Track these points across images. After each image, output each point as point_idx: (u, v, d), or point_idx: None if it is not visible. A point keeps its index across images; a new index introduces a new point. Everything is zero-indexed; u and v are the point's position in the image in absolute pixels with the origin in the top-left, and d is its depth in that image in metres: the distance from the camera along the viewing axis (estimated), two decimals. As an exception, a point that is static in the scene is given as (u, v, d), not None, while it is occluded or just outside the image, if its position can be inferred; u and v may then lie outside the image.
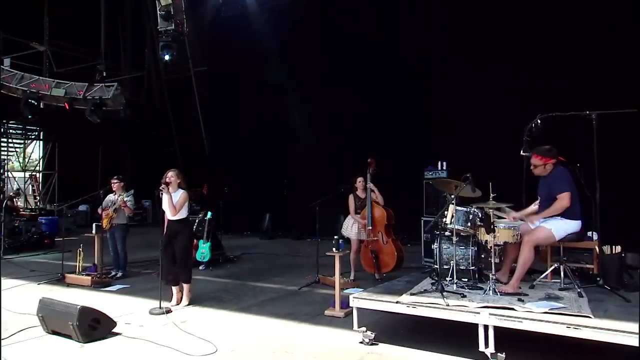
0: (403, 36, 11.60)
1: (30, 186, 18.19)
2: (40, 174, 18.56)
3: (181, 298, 6.06)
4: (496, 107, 9.77)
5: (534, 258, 4.70)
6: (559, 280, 4.88)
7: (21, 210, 14.58)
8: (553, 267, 5.00)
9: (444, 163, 8.30)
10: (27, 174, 18.38)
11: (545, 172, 4.85)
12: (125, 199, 7.64)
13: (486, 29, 10.48)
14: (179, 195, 5.96)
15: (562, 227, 4.69)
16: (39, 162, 19.25)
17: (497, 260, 4.81)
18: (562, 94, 8.65)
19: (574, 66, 9.25)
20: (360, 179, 7.19)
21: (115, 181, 7.81)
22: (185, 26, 12.44)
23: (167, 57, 12.39)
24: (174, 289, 6.05)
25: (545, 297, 4.39)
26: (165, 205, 5.93)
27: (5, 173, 15.70)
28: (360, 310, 4.62)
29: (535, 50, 9.82)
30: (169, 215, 5.98)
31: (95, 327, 4.71)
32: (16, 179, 18.23)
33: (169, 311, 5.63)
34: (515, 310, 3.97)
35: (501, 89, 10.01)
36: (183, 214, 5.99)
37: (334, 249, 5.61)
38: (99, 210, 7.82)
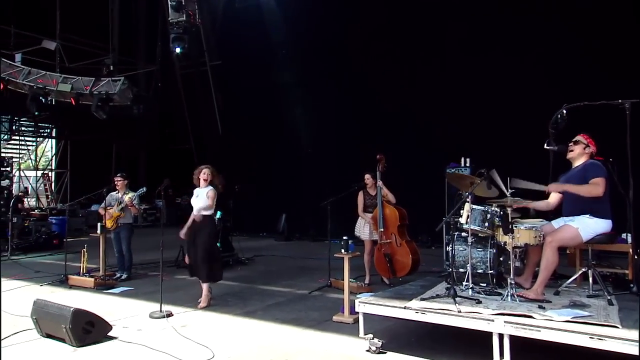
0: (418, 28, 11.42)
1: (42, 185, 18.58)
2: (53, 173, 18.93)
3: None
4: (521, 100, 9.52)
5: (558, 260, 4.50)
6: (587, 287, 4.69)
7: (31, 210, 14.87)
8: (581, 272, 4.80)
9: (467, 159, 8.13)
10: (40, 173, 18.77)
11: (577, 158, 4.68)
12: (132, 198, 7.70)
13: (507, 18, 10.21)
14: (206, 191, 6.24)
15: (590, 227, 4.48)
16: (51, 161, 19.66)
17: (517, 264, 4.64)
18: (590, 83, 8.35)
19: (605, 52, 8.93)
20: (367, 176, 7.08)
21: (119, 179, 7.88)
22: (197, 17, 12.51)
23: (178, 50, 12.44)
24: (204, 287, 6.21)
25: (569, 304, 4.21)
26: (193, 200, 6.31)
27: (15, 172, 16.05)
28: (370, 316, 4.53)
29: (560, 38, 9.53)
30: (195, 210, 6.26)
31: (89, 330, 4.73)
32: (29, 179, 18.64)
33: (169, 315, 5.65)
34: (533, 318, 3.81)
35: (525, 80, 9.74)
36: (208, 210, 6.25)
37: (342, 251, 5.54)
38: (100, 210, 7.88)
